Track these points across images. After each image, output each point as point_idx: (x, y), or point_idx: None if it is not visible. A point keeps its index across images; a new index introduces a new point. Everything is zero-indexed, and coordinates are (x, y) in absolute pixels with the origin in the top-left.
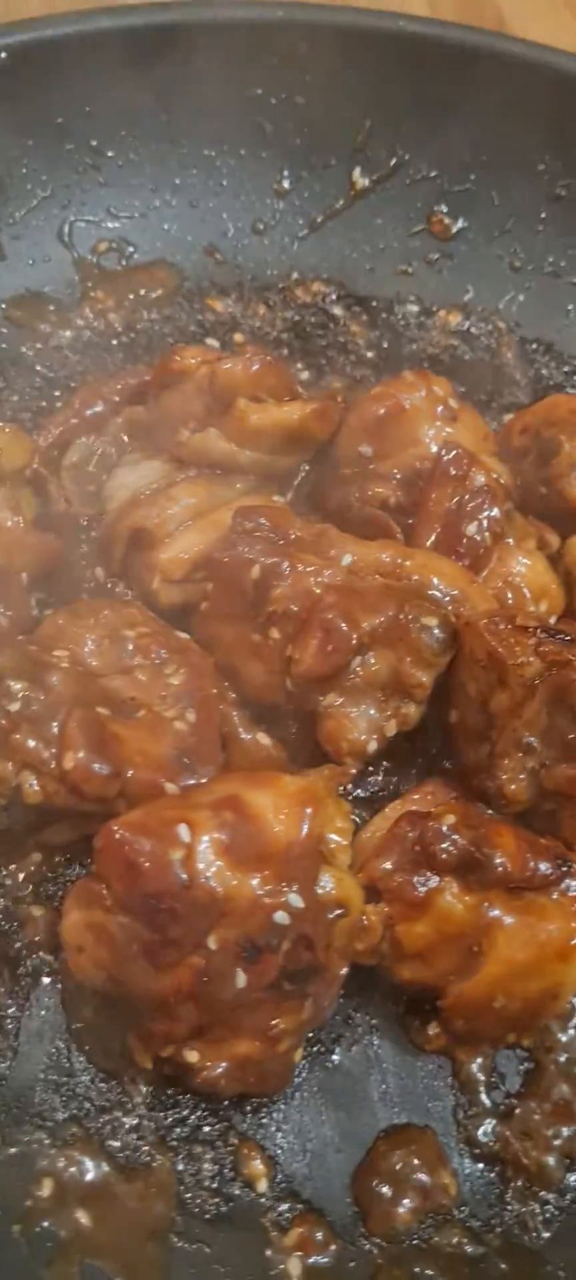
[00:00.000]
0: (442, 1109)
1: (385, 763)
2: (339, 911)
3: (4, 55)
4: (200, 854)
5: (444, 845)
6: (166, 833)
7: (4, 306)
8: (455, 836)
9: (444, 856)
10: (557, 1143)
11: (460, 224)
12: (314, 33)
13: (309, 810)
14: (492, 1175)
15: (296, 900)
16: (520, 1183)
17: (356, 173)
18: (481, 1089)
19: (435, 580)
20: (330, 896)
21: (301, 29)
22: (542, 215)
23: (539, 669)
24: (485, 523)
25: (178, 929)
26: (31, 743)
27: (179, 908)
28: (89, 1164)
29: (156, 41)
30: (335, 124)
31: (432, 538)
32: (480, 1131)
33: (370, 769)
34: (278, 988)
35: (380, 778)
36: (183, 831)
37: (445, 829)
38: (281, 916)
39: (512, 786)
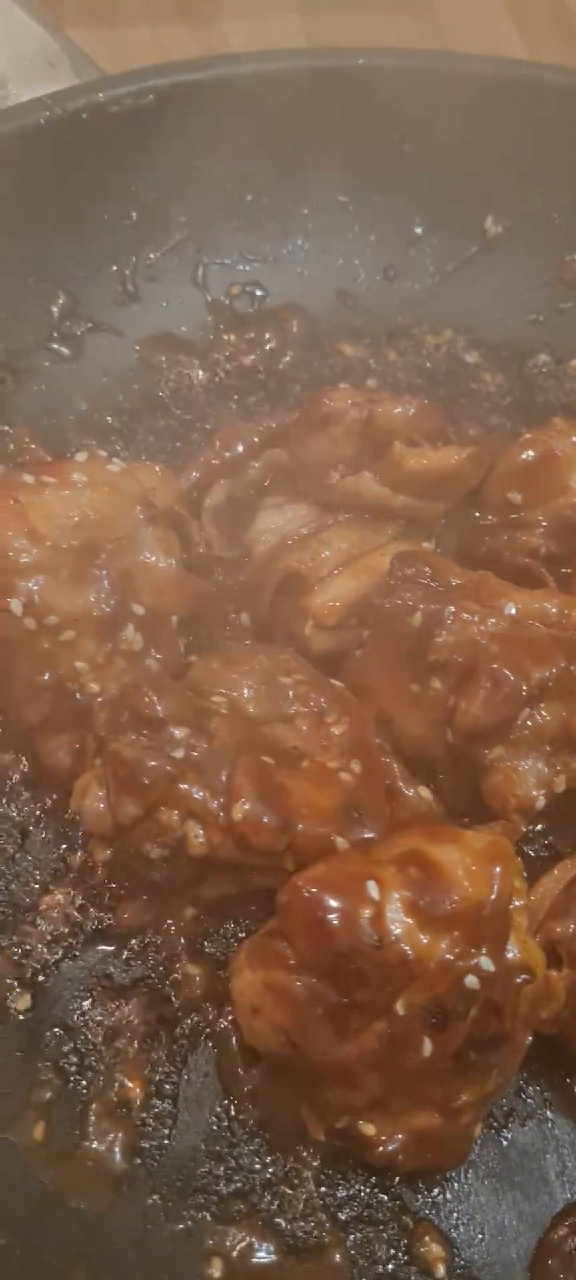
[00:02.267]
0: None
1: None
2: (525, 977)
3: (152, 97)
4: (390, 912)
5: None
6: (356, 889)
7: (139, 348)
8: None
9: None
10: None
11: None
12: (449, 80)
13: (498, 869)
14: None
15: (488, 964)
16: None
17: (488, 221)
18: None
19: None
20: (516, 961)
21: (432, 77)
22: None
23: None
24: None
25: (366, 992)
26: (198, 792)
27: (368, 969)
28: (257, 1243)
29: (295, 88)
30: (468, 171)
31: None
32: None
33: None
34: (463, 1057)
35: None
36: (372, 889)
37: None
38: (472, 981)
39: None
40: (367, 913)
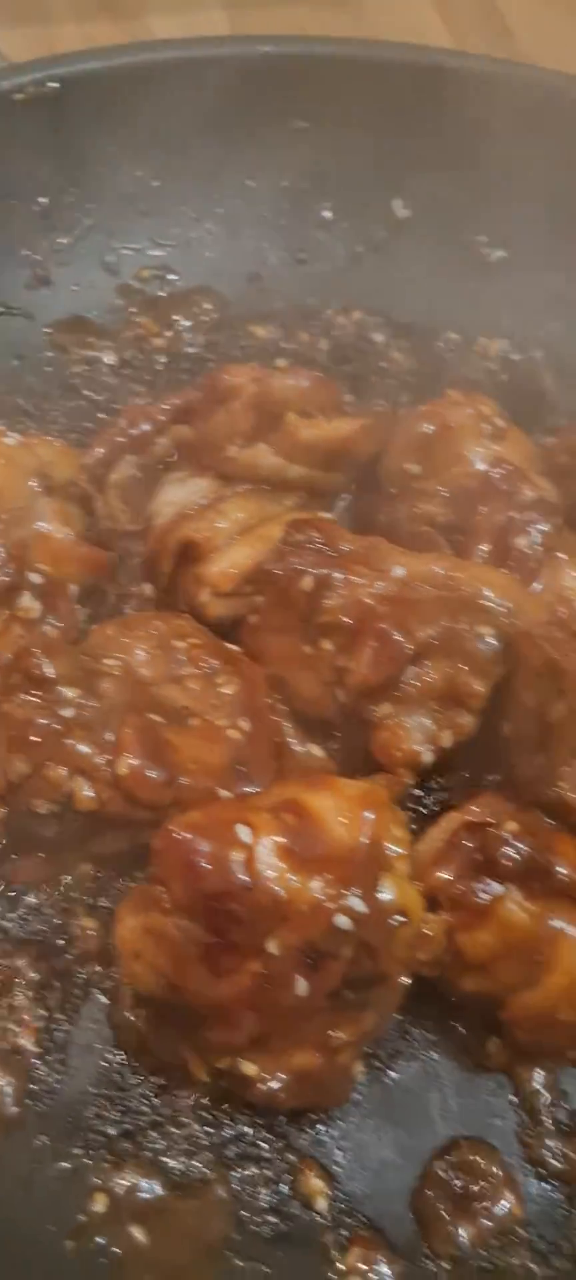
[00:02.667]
0: (505, 1127)
1: (437, 779)
2: (400, 919)
3: (57, 85)
4: (261, 855)
5: (507, 851)
6: (227, 833)
7: (50, 331)
8: (518, 843)
9: (506, 863)
10: None
11: (500, 253)
12: (357, 67)
13: (371, 814)
14: (559, 1196)
15: (359, 905)
16: None
17: (397, 204)
18: (545, 1107)
19: (488, 592)
20: (391, 904)
21: (343, 64)
22: None
23: None
24: (536, 536)
25: (238, 932)
26: (85, 748)
27: (240, 910)
28: (143, 1181)
29: (201, 73)
30: (375, 156)
31: (483, 554)
32: (544, 1151)
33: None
34: (339, 996)
35: (430, 792)
36: (243, 832)
37: (507, 835)
38: (343, 921)
39: (574, 795)
40: (239, 856)
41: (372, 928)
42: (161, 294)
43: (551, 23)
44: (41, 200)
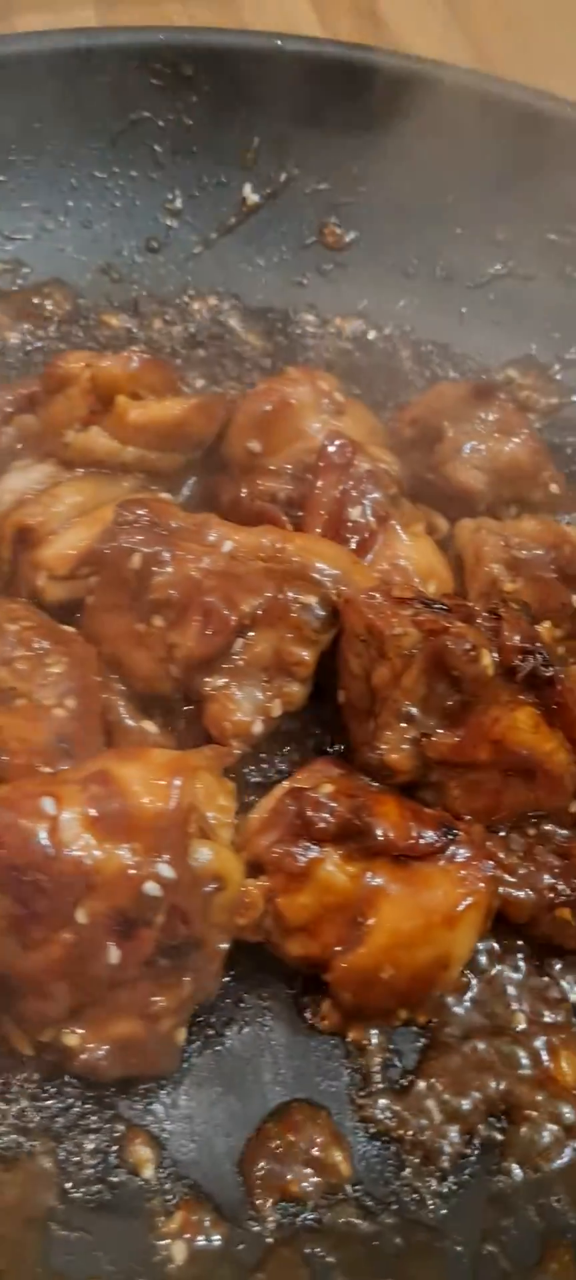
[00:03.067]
0: (337, 1088)
1: (283, 752)
2: (215, 885)
3: None
4: (65, 825)
5: (321, 814)
6: (29, 805)
7: None
8: (332, 805)
9: (321, 825)
10: (452, 1117)
11: (352, 234)
12: (197, 55)
13: (178, 781)
14: (388, 1153)
15: (167, 871)
16: (416, 1159)
17: (247, 189)
18: (376, 1067)
19: (316, 562)
20: (206, 870)
21: (184, 51)
22: (431, 222)
23: (416, 638)
24: (368, 506)
25: (44, 902)
26: None
27: (44, 880)
28: None
29: (45, 65)
30: (224, 142)
31: (319, 526)
32: (375, 1109)
33: (267, 757)
34: (154, 964)
35: (277, 766)
36: (47, 804)
37: (322, 798)
38: (152, 888)
39: (394, 756)
40: (43, 827)
41: (184, 893)
42: (13, 288)
43: (422, 10)
44: None
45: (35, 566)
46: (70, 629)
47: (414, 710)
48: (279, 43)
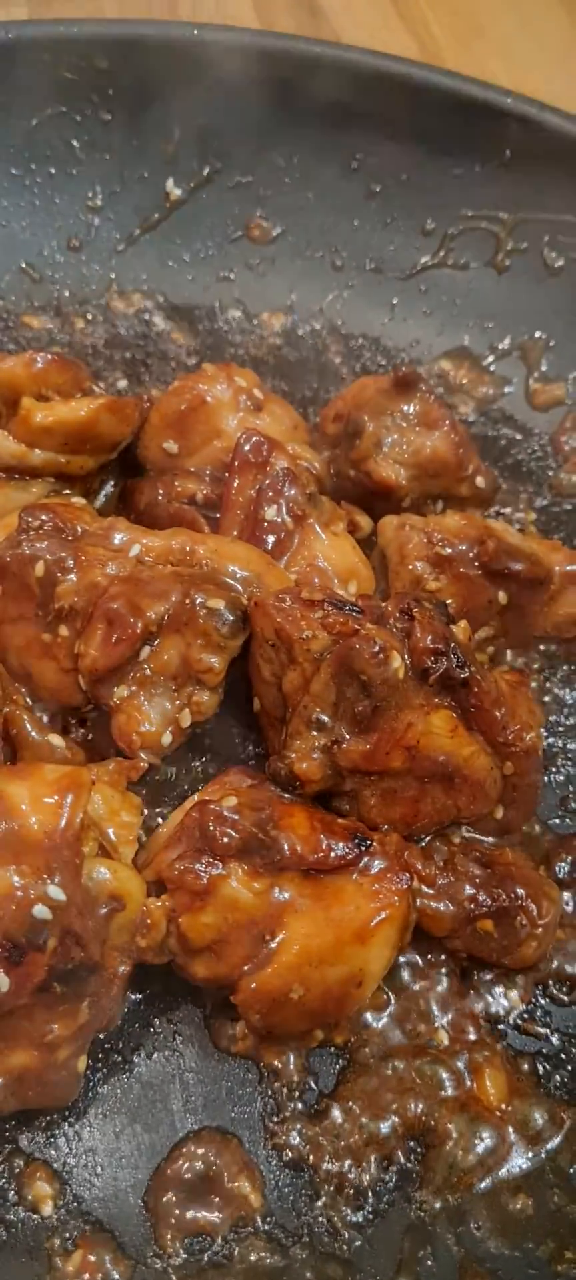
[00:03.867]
0: (250, 1114)
1: (199, 762)
2: (113, 905)
3: None
4: None
5: (224, 828)
6: None
7: None
8: (235, 818)
9: (224, 840)
10: (370, 1143)
11: (279, 228)
12: (111, 47)
13: (69, 798)
14: (302, 1181)
15: (57, 892)
16: (331, 1187)
17: (170, 183)
18: (292, 1091)
19: (228, 565)
20: (103, 889)
21: (99, 44)
22: (360, 213)
23: (326, 642)
24: (284, 505)
25: None
26: None
27: None
28: None
29: None
30: (143, 137)
31: (235, 527)
32: (289, 1136)
33: (183, 768)
34: (48, 990)
35: (191, 778)
36: None
37: (226, 812)
38: (41, 911)
39: (304, 765)
40: None
41: (77, 915)
42: None
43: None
44: None
45: None
46: None
47: (323, 717)
48: (195, 32)
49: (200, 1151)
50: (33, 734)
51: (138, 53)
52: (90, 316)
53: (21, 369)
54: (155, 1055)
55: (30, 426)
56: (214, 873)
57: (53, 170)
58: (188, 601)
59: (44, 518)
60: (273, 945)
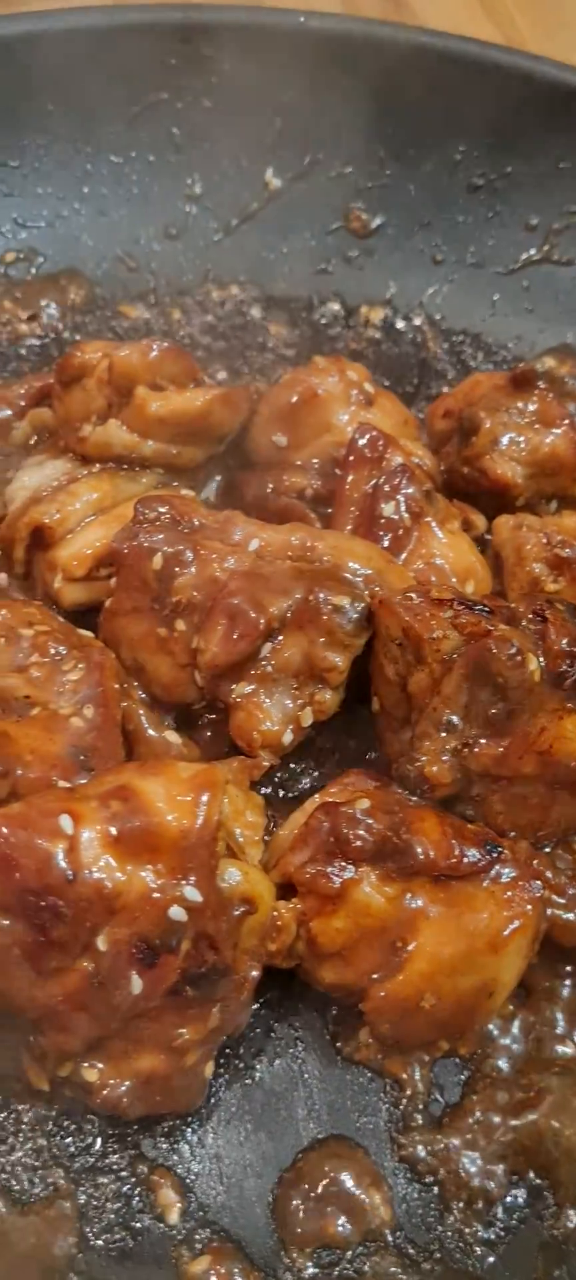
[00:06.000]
0: (375, 1125)
1: (313, 761)
2: (246, 908)
3: None
4: (85, 846)
5: (358, 831)
6: (47, 824)
7: None
8: (370, 821)
9: (358, 844)
10: (500, 1157)
11: (378, 219)
12: (216, 33)
13: (205, 796)
14: (431, 1195)
15: (193, 894)
16: (461, 1202)
17: (269, 173)
18: (417, 1102)
19: (348, 561)
20: (235, 892)
21: (203, 30)
22: (462, 206)
23: (456, 642)
24: (402, 501)
25: (62, 929)
26: None
27: (62, 905)
28: None
29: (57, 48)
30: (244, 125)
31: (350, 523)
32: (416, 1148)
33: (297, 767)
34: (179, 993)
35: (307, 777)
36: (65, 823)
37: (359, 814)
38: (177, 912)
39: (434, 768)
40: (60, 847)
41: (212, 918)
42: (27, 278)
43: None
44: None
45: (51, 567)
46: (87, 633)
47: (454, 719)
48: (302, 19)
49: (326, 1161)
50: (149, 730)
51: (242, 39)
52: (187, 306)
53: (137, 358)
54: (277, 1062)
55: (145, 416)
56: (346, 877)
57: (152, 158)
58: (311, 598)
59: (161, 510)
60: (404, 953)
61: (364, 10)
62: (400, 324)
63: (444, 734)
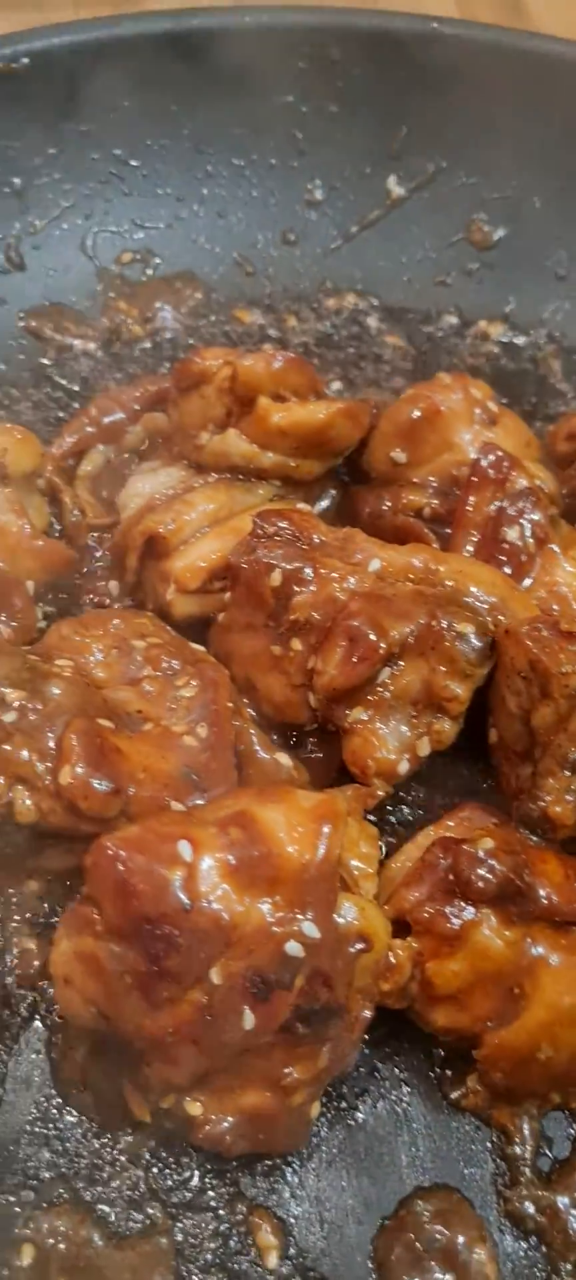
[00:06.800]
0: (480, 1176)
1: (418, 788)
2: (361, 945)
3: (26, 61)
4: (203, 875)
5: (480, 872)
6: (166, 850)
7: (23, 317)
8: (493, 863)
9: (480, 885)
10: None
11: (501, 232)
12: (345, 37)
13: (327, 828)
14: (538, 1255)
15: (312, 930)
16: (569, 1264)
17: (392, 181)
18: (525, 1155)
19: (472, 586)
20: (351, 928)
21: (332, 33)
22: None
23: None
24: (527, 527)
25: (176, 959)
26: (25, 754)
27: (178, 935)
28: (76, 1230)
29: (183, 48)
30: (369, 131)
31: (470, 545)
32: (523, 1204)
33: (401, 794)
34: (290, 1030)
35: (412, 805)
36: (184, 849)
37: (482, 854)
38: (294, 948)
39: (558, 808)
40: (178, 874)
41: (328, 955)
42: (143, 279)
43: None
44: (14, 181)
45: (163, 578)
46: (200, 648)
47: None
48: (435, 25)
49: (430, 1211)
50: (260, 751)
51: (372, 44)
52: (302, 314)
53: (262, 367)
54: (380, 1104)
55: (266, 427)
56: (466, 918)
57: (273, 161)
58: (434, 624)
59: (281, 525)
60: (522, 1000)
61: (479, 15)
62: (519, 340)
63: (569, 773)
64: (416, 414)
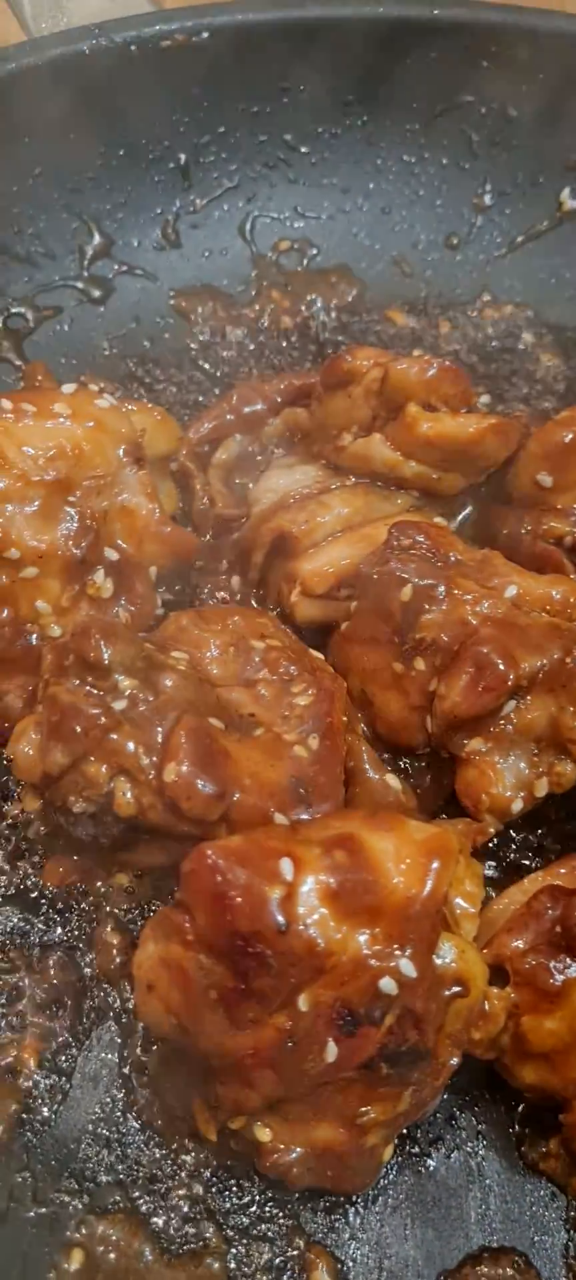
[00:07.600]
0: (551, 1245)
1: (527, 829)
2: (457, 989)
3: (206, 35)
4: (303, 896)
5: None
6: (267, 865)
7: (174, 296)
8: None
9: None
10: None
11: None
12: (535, 39)
13: (436, 864)
14: None
15: (409, 968)
16: None
17: (565, 193)
18: None
19: None
20: (449, 970)
21: (522, 34)
22: None
23: None
24: None
25: (266, 980)
26: (131, 746)
27: (271, 955)
28: (128, 1241)
29: (363, 38)
30: (547, 140)
31: None
32: None
33: (510, 832)
34: (373, 1069)
35: (520, 846)
36: (285, 867)
37: None
38: (388, 984)
39: None
40: (277, 893)
41: (423, 996)
42: (298, 269)
43: None
44: (180, 156)
45: (289, 579)
46: (319, 656)
47: None
48: None
49: (495, 1273)
50: (370, 771)
51: (563, 50)
52: (457, 321)
53: (415, 373)
54: (454, 1155)
55: (413, 435)
56: (570, 975)
57: (445, 161)
58: (568, 661)
59: (419, 539)
60: None
61: None
62: None
63: None
64: (569, 437)
